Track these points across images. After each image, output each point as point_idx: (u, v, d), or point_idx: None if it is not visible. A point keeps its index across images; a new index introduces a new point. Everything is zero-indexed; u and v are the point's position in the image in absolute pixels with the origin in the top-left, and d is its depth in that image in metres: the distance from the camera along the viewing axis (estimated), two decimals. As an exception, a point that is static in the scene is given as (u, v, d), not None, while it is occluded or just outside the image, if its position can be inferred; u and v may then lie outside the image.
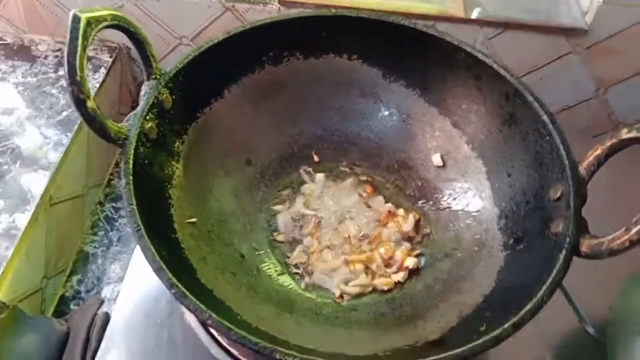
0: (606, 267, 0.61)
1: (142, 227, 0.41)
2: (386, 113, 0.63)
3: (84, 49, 0.41)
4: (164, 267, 0.39)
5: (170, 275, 0.39)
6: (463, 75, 0.58)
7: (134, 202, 0.42)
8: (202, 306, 0.38)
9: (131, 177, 0.44)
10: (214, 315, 0.37)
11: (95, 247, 0.77)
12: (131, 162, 0.44)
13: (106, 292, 0.71)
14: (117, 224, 0.79)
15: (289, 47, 0.60)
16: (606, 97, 0.86)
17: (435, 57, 0.59)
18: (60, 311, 0.69)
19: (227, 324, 0.37)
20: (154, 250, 0.40)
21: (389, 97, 0.62)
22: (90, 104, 0.42)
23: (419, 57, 0.60)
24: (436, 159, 0.61)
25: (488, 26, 0.78)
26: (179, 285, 0.38)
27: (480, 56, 0.56)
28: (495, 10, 0.78)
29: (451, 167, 0.60)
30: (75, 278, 0.73)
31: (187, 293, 0.38)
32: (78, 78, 0.40)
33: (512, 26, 0.78)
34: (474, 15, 0.77)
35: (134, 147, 0.45)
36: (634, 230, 0.39)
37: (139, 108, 0.48)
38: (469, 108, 0.58)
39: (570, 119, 0.88)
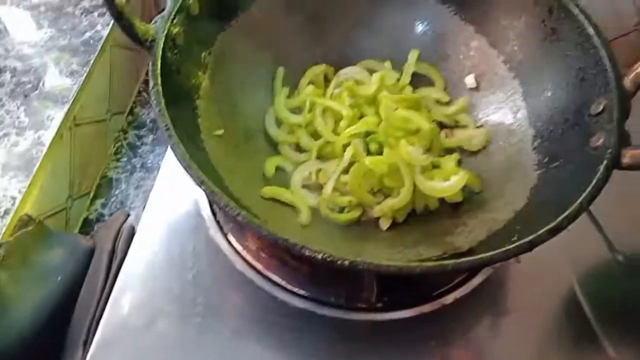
0: (635, 197, 0.60)
1: (171, 126, 0.40)
2: (420, 29, 0.60)
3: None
4: (194, 165, 0.38)
5: (200, 172, 0.38)
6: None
7: (163, 102, 0.41)
8: (232, 202, 0.37)
9: (159, 79, 0.42)
10: (243, 212, 0.37)
11: (118, 172, 0.77)
12: (159, 63, 0.43)
13: (130, 217, 0.72)
14: (140, 151, 0.79)
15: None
16: (647, 32, 0.82)
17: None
18: (85, 233, 0.70)
19: (256, 221, 0.37)
20: (183, 148, 0.39)
21: (424, 13, 0.59)
22: (118, 0, 0.40)
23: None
24: (469, 81, 0.58)
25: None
26: (209, 182, 0.38)
27: (521, -33, 0.52)
28: None
29: (485, 89, 0.58)
30: (99, 202, 0.74)
31: (216, 189, 0.37)
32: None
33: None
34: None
35: (161, 49, 0.44)
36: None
37: (166, 11, 0.46)
38: (508, 25, 0.55)
39: (625, 48, 0.84)
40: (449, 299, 0.52)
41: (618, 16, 0.80)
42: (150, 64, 0.44)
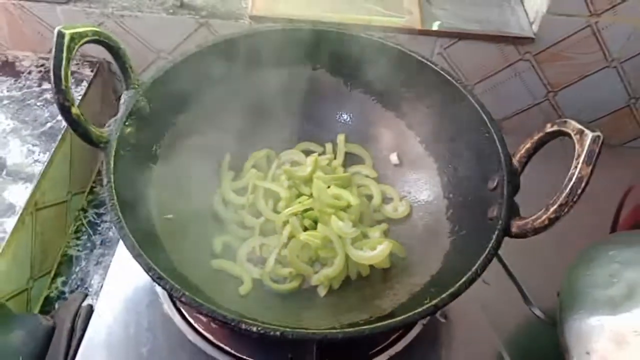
0: (551, 255, 0.68)
1: (122, 219, 0.46)
2: (347, 117, 0.69)
3: (68, 61, 0.46)
4: (142, 253, 0.44)
5: (147, 259, 0.44)
6: (415, 82, 0.64)
7: (115, 197, 0.47)
8: (176, 285, 0.42)
9: (112, 176, 0.49)
10: (186, 293, 0.42)
11: (78, 250, 0.81)
12: (112, 162, 0.49)
13: (90, 293, 0.75)
14: (99, 228, 0.83)
15: (257, 59, 0.65)
16: (556, 100, 0.94)
17: (390, 65, 0.65)
18: (46, 311, 0.73)
19: (198, 299, 0.42)
20: (133, 239, 0.45)
21: (350, 103, 0.68)
22: (74, 110, 0.47)
23: (375, 65, 0.66)
24: (393, 158, 0.67)
25: (444, 37, 0.85)
26: (156, 268, 0.43)
27: (428, 63, 0.62)
28: (450, 22, 0.85)
29: (407, 165, 0.66)
30: (59, 280, 0.77)
31: (163, 275, 0.43)
32: (63, 87, 0.45)
33: (465, 36, 0.85)
34: (433, 27, 0.84)
35: (114, 149, 0.50)
36: (551, 210, 0.45)
37: (119, 115, 0.53)
38: (421, 111, 0.65)
39: (523, 122, 0.95)
40: (384, 357, 0.58)
41: (528, 88, 0.92)
42: (104, 162, 0.50)
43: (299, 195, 0.62)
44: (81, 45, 0.48)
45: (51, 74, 0.45)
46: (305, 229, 0.59)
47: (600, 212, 0.76)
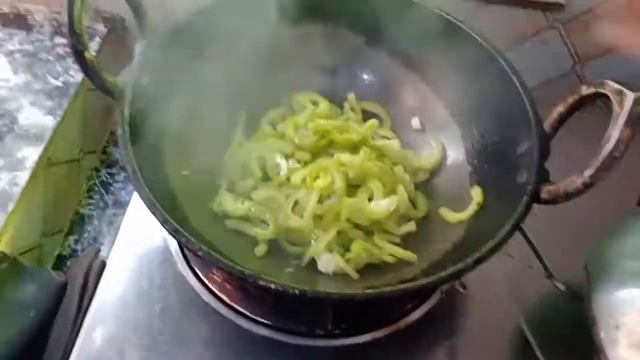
0: (574, 226, 0.66)
1: (137, 170, 0.44)
2: (367, 78, 0.66)
3: (83, 2, 0.43)
4: (158, 205, 0.42)
5: (163, 212, 0.42)
6: (443, 43, 0.62)
7: (129, 147, 0.45)
8: (192, 238, 0.41)
9: (127, 127, 0.47)
10: (203, 246, 0.41)
11: (91, 209, 0.80)
12: (126, 111, 0.47)
13: (102, 252, 0.75)
14: (112, 188, 0.82)
15: (278, 13, 0.62)
16: (583, 72, 0.90)
17: (416, 25, 0.62)
18: (58, 269, 0.72)
19: (215, 254, 0.41)
20: (148, 190, 0.43)
21: (372, 64, 0.66)
22: (88, 55, 0.45)
23: (400, 24, 0.63)
24: (415, 123, 0.64)
25: (471, 0, 0.81)
26: (172, 220, 0.42)
27: (457, 23, 0.59)
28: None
29: (429, 130, 0.64)
30: (72, 238, 0.77)
31: (179, 227, 0.41)
32: (77, 30, 0.43)
33: (493, 0, 0.81)
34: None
35: (129, 98, 0.48)
36: (586, 175, 0.42)
37: (134, 63, 0.51)
38: (447, 74, 0.62)
39: (549, 93, 0.92)
40: (401, 324, 0.57)
41: (556, 58, 0.88)
42: (119, 112, 0.48)
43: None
44: (97, -12, 0.46)
45: (64, 15, 0.43)
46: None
47: (628, 185, 0.73)
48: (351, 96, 0.66)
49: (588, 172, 0.42)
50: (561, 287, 0.62)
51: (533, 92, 0.92)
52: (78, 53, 0.44)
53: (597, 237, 0.61)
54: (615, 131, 0.41)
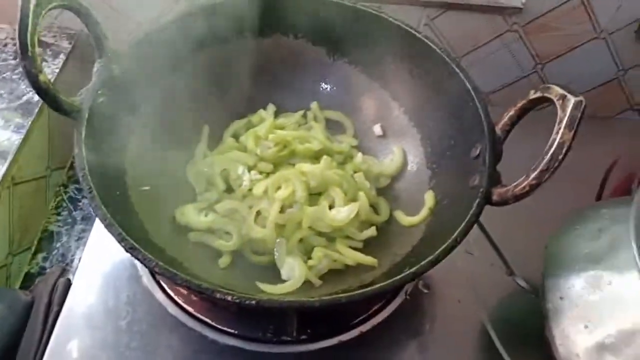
0: (534, 222, 0.68)
1: (93, 189, 0.44)
2: (329, 87, 0.67)
3: (35, 26, 0.44)
4: (114, 222, 0.43)
5: (120, 229, 0.42)
6: (400, 51, 0.63)
7: (86, 167, 0.46)
8: (149, 255, 0.41)
9: (83, 146, 0.47)
10: (160, 262, 0.41)
11: (59, 226, 0.79)
12: (83, 131, 0.48)
13: (70, 268, 0.74)
14: (80, 204, 0.82)
15: (236, 28, 0.63)
16: (544, 73, 0.92)
17: (375, 35, 0.63)
18: (27, 287, 0.72)
19: (172, 269, 0.41)
20: (104, 209, 0.43)
21: (333, 73, 0.67)
22: (42, 77, 0.45)
23: (360, 35, 0.64)
24: (377, 129, 0.66)
25: (431, 7, 0.83)
26: (128, 238, 0.42)
27: (413, 32, 0.61)
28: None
29: (390, 136, 0.65)
30: (40, 255, 0.76)
31: (135, 244, 0.42)
32: (29, 53, 0.44)
33: (453, 6, 0.83)
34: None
35: (86, 118, 0.49)
36: (532, 176, 0.44)
37: (91, 83, 0.51)
38: (405, 81, 0.63)
39: (511, 95, 0.94)
40: (366, 326, 0.58)
41: (516, 61, 0.90)
42: (75, 132, 0.48)
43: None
44: (49, 10, 0.46)
45: (16, 39, 0.44)
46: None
47: (587, 183, 0.75)
48: (314, 105, 0.67)
49: (533, 174, 0.44)
50: (522, 283, 0.64)
51: (495, 94, 0.95)
52: (32, 76, 0.44)
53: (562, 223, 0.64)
54: (557, 135, 0.43)
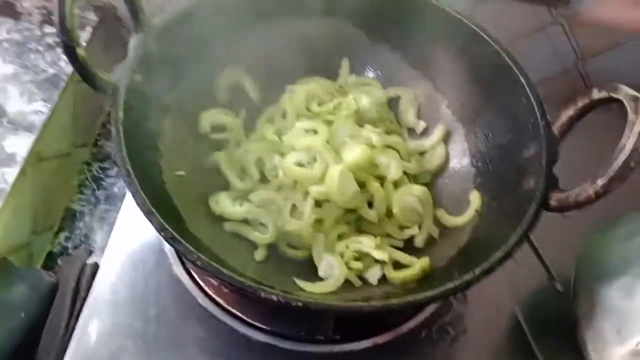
0: (574, 227, 0.65)
1: (132, 172, 0.42)
2: (370, 74, 0.64)
3: (73, -1, 0.41)
4: (154, 210, 0.40)
5: (160, 218, 0.40)
6: (447, 39, 0.60)
7: (124, 149, 0.43)
8: (191, 247, 0.39)
9: (121, 127, 0.45)
10: (202, 256, 0.39)
11: (82, 205, 0.77)
12: (121, 111, 0.45)
13: (93, 249, 0.73)
14: (104, 183, 0.80)
15: (276, 7, 0.60)
16: (587, 68, 0.88)
17: (420, 20, 0.60)
18: (49, 267, 0.70)
19: (215, 264, 0.39)
20: (143, 194, 0.41)
21: (374, 59, 0.63)
22: (80, 52, 0.43)
23: (404, 19, 0.61)
24: (420, 124, 0.63)
25: (475, -7, 0.79)
26: (169, 228, 0.40)
27: (463, 20, 0.57)
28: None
29: (432, 129, 0.62)
30: (62, 235, 0.74)
31: (177, 235, 0.40)
32: (68, 26, 0.41)
33: (500, -6, 0.79)
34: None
35: (123, 97, 0.46)
36: (599, 184, 0.41)
37: (127, 60, 0.49)
38: (451, 72, 0.60)
39: (551, 90, 0.90)
40: (403, 329, 0.55)
41: (557, 55, 0.86)
42: (112, 112, 0.46)
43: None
44: (89, -19, 0.43)
45: (55, 10, 0.41)
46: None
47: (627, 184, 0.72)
48: (345, 62, 0.64)
49: (601, 182, 0.41)
50: (561, 288, 0.62)
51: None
52: (70, 50, 0.42)
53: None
54: (630, 139, 0.40)
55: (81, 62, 0.43)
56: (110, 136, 0.83)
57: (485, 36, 0.56)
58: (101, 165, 0.82)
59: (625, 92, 0.43)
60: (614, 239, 0.57)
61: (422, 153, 0.61)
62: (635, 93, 0.42)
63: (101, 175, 0.81)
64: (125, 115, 0.46)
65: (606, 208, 0.57)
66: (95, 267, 0.57)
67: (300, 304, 0.38)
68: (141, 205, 0.41)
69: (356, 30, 0.64)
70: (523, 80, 0.52)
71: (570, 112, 0.49)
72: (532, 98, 0.51)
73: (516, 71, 0.53)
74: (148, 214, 0.40)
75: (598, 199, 0.42)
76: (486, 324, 0.58)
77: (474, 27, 0.57)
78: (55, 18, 0.41)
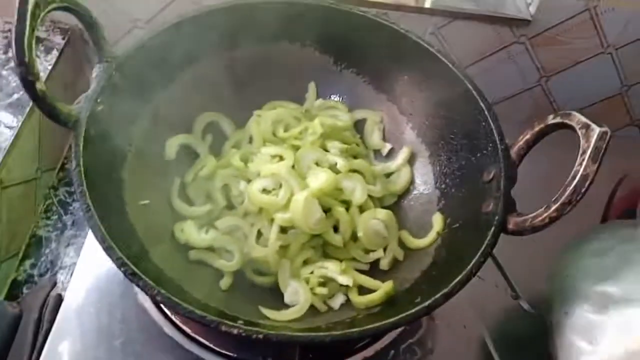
0: (539, 246, 0.67)
1: (92, 207, 0.42)
2: (335, 98, 0.65)
3: (33, 30, 0.41)
4: (114, 245, 0.40)
5: (120, 254, 0.40)
6: (410, 64, 0.61)
7: (84, 183, 0.43)
8: (151, 282, 0.39)
9: (81, 159, 0.44)
10: (162, 291, 0.39)
11: (49, 231, 0.76)
12: (81, 144, 0.45)
13: (60, 276, 0.71)
14: (71, 207, 0.79)
15: (242, 34, 0.61)
16: (548, 86, 0.91)
17: (384, 45, 0.61)
18: (13, 295, 0.69)
19: (175, 299, 0.39)
20: (103, 230, 0.41)
21: (340, 84, 0.64)
22: (39, 85, 0.42)
23: (369, 44, 0.62)
24: (385, 146, 0.64)
25: (438, 15, 0.81)
26: (129, 263, 0.40)
27: (425, 45, 0.59)
28: (445, 0, 0.81)
29: (397, 152, 0.63)
30: (28, 262, 0.73)
31: (137, 270, 0.39)
32: (26, 59, 0.41)
33: (460, 16, 0.81)
34: (427, 4, 0.80)
35: (84, 129, 0.46)
36: (552, 208, 0.42)
37: (90, 90, 0.49)
38: (415, 95, 0.61)
39: (513, 108, 0.93)
40: (369, 351, 0.56)
41: (521, 73, 0.89)
42: (73, 144, 0.45)
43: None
44: (47, 12, 0.43)
45: (12, 44, 0.41)
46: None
47: (589, 202, 0.74)
48: (311, 86, 0.65)
49: (554, 206, 0.42)
50: (526, 306, 0.63)
51: (497, 106, 0.93)
52: (28, 84, 0.42)
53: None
54: (581, 166, 0.41)
55: (40, 96, 0.43)
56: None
57: (445, 61, 0.57)
58: (68, 189, 0.81)
59: (577, 119, 0.45)
60: (585, 254, 0.58)
61: (387, 175, 0.62)
62: (587, 121, 0.43)
63: (68, 200, 0.80)
64: (86, 147, 0.46)
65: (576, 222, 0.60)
66: (59, 298, 0.57)
67: (261, 336, 0.38)
68: (101, 241, 0.40)
69: (322, 55, 0.64)
70: (483, 105, 0.53)
71: (527, 136, 0.50)
72: (491, 122, 0.52)
73: (476, 96, 0.54)
74: (107, 250, 0.40)
75: (552, 223, 0.43)
76: (453, 344, 0.59)
77: (435, 52, 0.58)
78: (12, 52, 0.41)
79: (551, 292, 0.60)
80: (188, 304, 0.39)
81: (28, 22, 0.41)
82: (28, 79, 0.42)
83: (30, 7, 0.41)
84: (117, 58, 0.51)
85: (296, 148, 0.58)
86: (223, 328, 0.38)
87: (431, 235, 0.54)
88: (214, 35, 0.59)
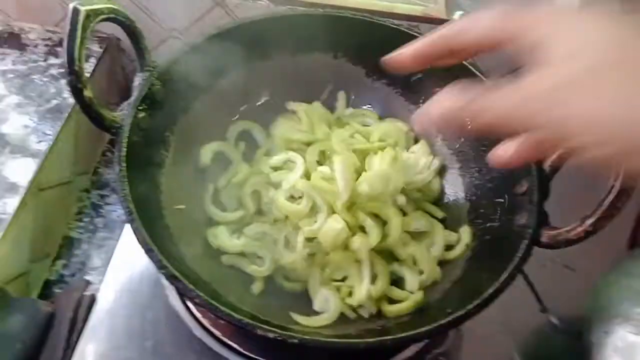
0: (570, 261, 0.66)
1: (134, 211, 0.43)
2: (367, 109, 0.66)
3: (83, 40, 0.43)
4: (155, 249, 0.41)
5: (160, 256, 0.41)
6: (442, 76, 0.61)
7: (127, 188, 0.44)
8: (190, 285, 0.40)
9: (124, 165, 0.46)
10: (201, 294, 0.40)
11: (80, 232, 0.78)
12: (125, 149, 0.46)
13: (90, 277, 0.73)
14: (102, 210, 0.81)
15: (277, 44, 0.62)
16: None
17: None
18: (45, 295, 0.71)
19: (213, 301, 0.40)
20: (145, 233, 0.42)
21: (372, 94, 0.65)
22: (87, 93, 0.44)
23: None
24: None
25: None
26: (169, 265, 0.41)
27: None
28: (475, 12, 0.81)
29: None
30: (60, 263, 0.75)
31: (176, 273, 0.41)
32: (76, 68, 0.43)
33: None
34: (456, 16, 0.81)
35: (127, 135, 0.47)
36: (588, 223, 0.42)
37: (132, 98, 0.50)
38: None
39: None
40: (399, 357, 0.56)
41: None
42: (117, 149, 0.47)
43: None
44: (97, 23, 0.45)
45: (64, 53, 0.43)
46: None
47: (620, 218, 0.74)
48: (341, 95, 0.65)
49: (590, 221, 0.42)
50: (555, 321, 0.63)
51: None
52: (77, 92, 0.43)
53: (589, 270, 0.62)
54: (617, 181, 0.41)
55: (88, 102, 0.45)
56: (109, 164, 0.85)
57: (477, 73, 0.58)
58: (100, 192, 0.83)
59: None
60: (627, 275, 0.57)
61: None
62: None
63: (100, 203, 0.82)
64: (128, 152, 0.47)
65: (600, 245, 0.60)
66: (93, 298, 0.58)
67: (296, 341, 0.39)
68: (142, 243, 0.42)
69: (355, 67, 0.65)
70: (515, 119, 0.53)
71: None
72: (523, 136, 0.52)
73: (508, 109, 0.54)
74: (148, 252, 0.41)
75: (587, 238, 0.43)
76: (480, 356, 0.59)
77: (467, 64, 0.59)
78: (65, 61, 0.43)
79: (591, 311, 0.59)
80: (224, 307, 0.40)
81: (79, 33, 0.43)
82: (77, 86, 0.44)
83: (81, 18, 0.43)
84: (158, 66, 0.53)
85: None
86: (259, 332, 0.39)
87: (460, 247, 0.54)
88: (249, 46, 0.60)
